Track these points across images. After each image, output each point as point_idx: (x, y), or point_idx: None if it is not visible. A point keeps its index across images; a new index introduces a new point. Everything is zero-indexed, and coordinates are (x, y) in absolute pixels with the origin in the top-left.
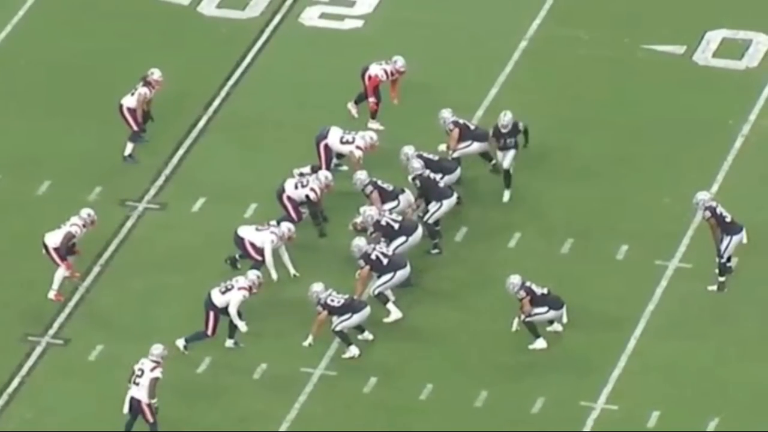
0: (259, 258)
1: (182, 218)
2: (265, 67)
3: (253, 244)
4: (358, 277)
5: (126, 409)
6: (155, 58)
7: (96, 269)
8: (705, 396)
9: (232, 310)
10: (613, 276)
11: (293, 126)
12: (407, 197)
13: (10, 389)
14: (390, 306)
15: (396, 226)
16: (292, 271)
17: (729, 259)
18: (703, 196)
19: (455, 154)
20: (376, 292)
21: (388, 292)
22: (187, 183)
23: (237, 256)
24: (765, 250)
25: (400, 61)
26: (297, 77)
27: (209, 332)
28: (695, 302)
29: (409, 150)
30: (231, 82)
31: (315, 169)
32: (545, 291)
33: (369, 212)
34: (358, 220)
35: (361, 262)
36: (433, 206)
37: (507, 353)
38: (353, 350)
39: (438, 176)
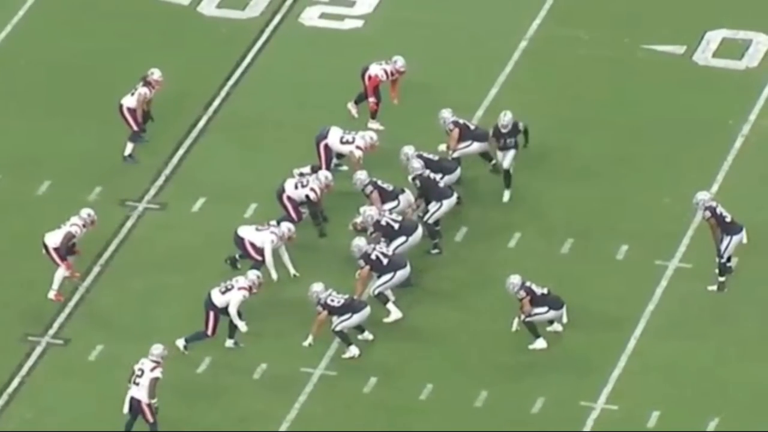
0: (259, 258)
1: (182, 218)
2: (265, 67)
3: (253, 244)
4: (358, 277)
5: (126, 409)
6: (155, 58)
7: (96, 269)
8: (705, 396)
9: (232, 310)
10: (613, 276)
11: (293, 126)
12: (407, 197)
13: (10, 389)
14: (390, 306)
15: (396, 226)
16: (292, 271)
17: (729, 259)
18: (703, 196)
19: (455, 154)
20: (376, 292)
21: (388, 292)
22: (187, 183)
23: (237, 256)
24: (765, 250)
25: (400, 61)
26: (297, 77)
27: (209, 332)
28: (695, 302)
29: (409, 150)
30: (231, 82)
31: (315, 169)
32: (545, 291)
33: (369, 212)
34: (358, 220)
35: (361, 262)
36: (433, 206)
37: (507, 353)
38: (353, 350)
39: (438, 176)
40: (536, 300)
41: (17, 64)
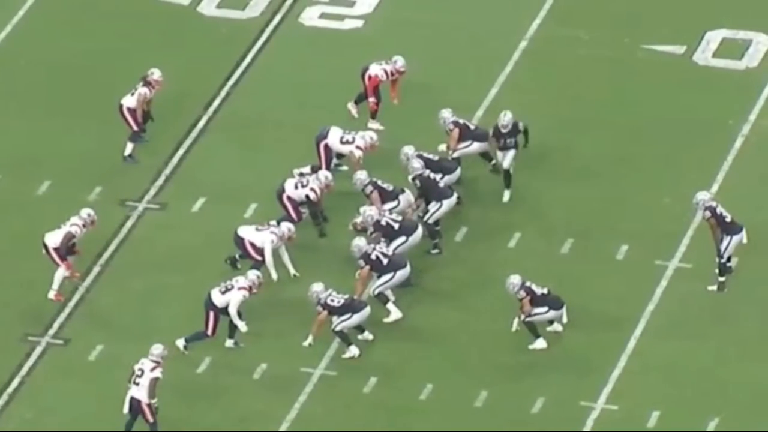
0: (259, 258)
1: (182, 218)
2: (265, 67)
3: (253, 244)
4: (358, 277)
5: (126, 409)
6: (155, 58)
7: (96, 269)
8: (705, 396)
9: (232, 310)
10: (613, 276)
11: (293, 126)
12: (407, 197)
13: (10, 389)
14: (390, 306)
15: (396, 226)
16: (292, 271)
17: (729, 259)
18: (703, 196)
19: (455, 154)
20: (376, 292)
21: (388, 292)
22: (187, 183)
23: (237, 256)
24: (765, 250)
25: (400, 61)
26: (297, 77)
27: (209, 332)
28: (695, 302)
29: (409, 150)
30: (231, 82)
31: (315, 169)
32: (545, 291)
33: (369, 212)
34: (358, 220)
35: (361, 262)
36: (433, 206)
37: (507, 353)
38: (353, 350)
39: (438, 176)
40: (536, 300)
41: (17, 64)
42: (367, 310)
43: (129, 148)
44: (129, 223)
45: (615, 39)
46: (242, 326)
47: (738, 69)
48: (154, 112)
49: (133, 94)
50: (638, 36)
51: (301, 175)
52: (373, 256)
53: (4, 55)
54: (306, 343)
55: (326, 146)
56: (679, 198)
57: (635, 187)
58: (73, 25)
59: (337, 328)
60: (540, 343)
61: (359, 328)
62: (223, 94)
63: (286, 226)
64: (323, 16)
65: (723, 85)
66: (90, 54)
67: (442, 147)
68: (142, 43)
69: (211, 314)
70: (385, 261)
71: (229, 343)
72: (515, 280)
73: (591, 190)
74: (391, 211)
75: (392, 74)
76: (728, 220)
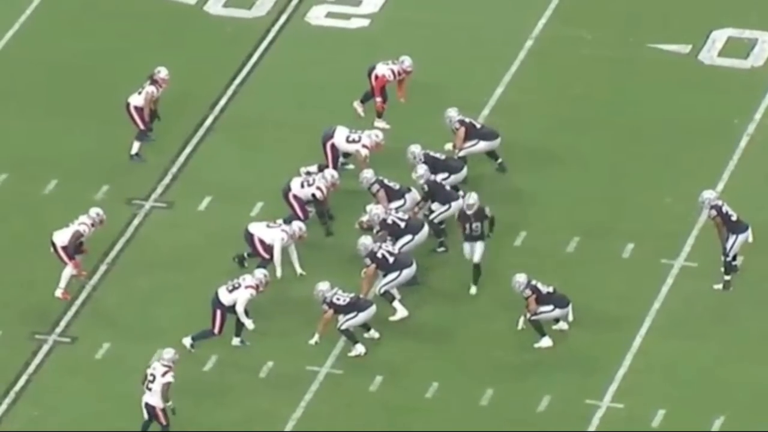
0: (267, 256)
1: (189, 217)
2: (272, 67)
3: (262, 241)
4: (364, 275)
5: (145, 415)
6: (163, 57)
7: (103, 268)
8: (710, 395)
9: (240, 309)
10: (618, 274)
11: (299, 125)
12: (413, 196)
13: (17, 387)
14: (396, 304)
15: (402, 224)
16: (299, 270)
17: (734, 258)
18: (708, 194)
19: (461, 153)
20: (382, 290)
21: (394, 291)
22: (194, 182)
23: (245, 254)
24: None
25: (407, 61)
26: (303, 76)
27: (216, 330)
28: (700, 301)
29: (416, 149)
30: (237, 81)
31: (322, 168)
32: (551, 289)
33: (375, 211)
34: (365, 218)
35: (367, 261)
36: (439, 207)
37: (513, 352)
38: (359, 348)
39: (444, 175)
40: (542, 298)
41: (24, 64)
42: (373, 308)
43: (136, 146)
44: (136, 222)
45: (621, 38)
46: (249, 324)
47: (743, 68)
48: (161, 110)
49: (140, 92)
50: (644, 35)
51: (308, 173)
52: (379, 255)
53: (12, 54)
54: (312, 342)
55: (333, 145)
56: (685, 197)
57: (642, 185)
58: (79, 25)
59: (343, 327)
60: (546, 342)
61: (365, 327)
62: (229, 93)
63: (298, 225)
64: (329, 15)
65: (728, 85)
66: (98, 54)
67: (449, 146)
68: (149, 43)
69: (219, 312)
70: (391, 259)
71: (236, 341)
72: (521, 278)
73: (598, 189)
74: (397, 209)
75: (399, 74)
76: (734, 218)
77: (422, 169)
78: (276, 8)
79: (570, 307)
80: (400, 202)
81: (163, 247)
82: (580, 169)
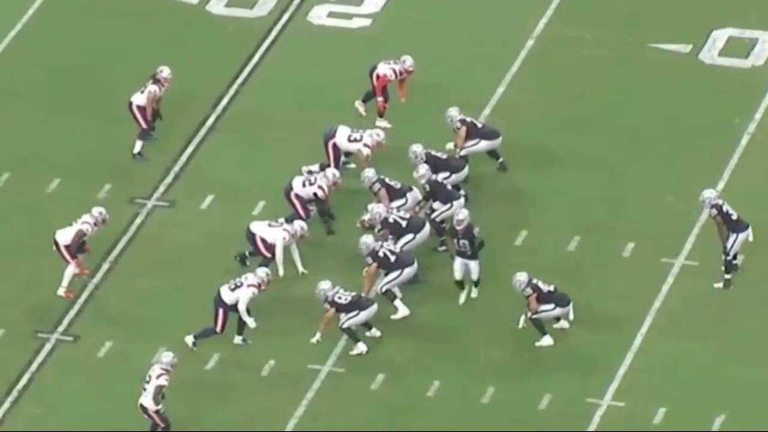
0: (269, 255)
1: (191, 216)
2: (273, 66)
3: (264, 240)
4: (366, 274)
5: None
6: (164, 57)
7: (105, 266)
8: (711, 393)
9: (242, 307)
10: (619, 273)
11: (301, 124)
12: (415, 195)
13: (19, 386)
14: (397, 303)
15: (404, 223)
16: (301, 268)
17: (735, 257)
18: (709, 193)
19: (462, 153)
20: (384, 289)
21: (396, 289)
22: (196, 181)
23: (247, 253)
24: None
25: (408, 61)
26: (305, 76)
27: (218, 329)
28: (701, 300)
29: (417, 148)
30: (239, 81)
31: (323, 168)
32: (552, 288)
33: (377, 210)
34: (366, 217)
35: (369, 260)
36: (441, 206)
37: (514, 350)
38: (361, 347)
39: (446, 174)
40: (543, 297)
41: (29, 65)
42: (375, 307)
43: (138, 145)
44: (138, 221)
45: (622, 38)
46: (251, 322)
47: (744, 68)
48: (163, 109)
49: (142, 91)
50: (644, 35)
51: (310, 172)
52: (380, 254)
53: (14, 54)
54: (314, 340)
55: (334, 145)
56: (685, 196)
57: (642, 185)
58: (81, 25)
59: (345, 325)
60: (546, 341)
61: (367, 325)
62: (231, 92)
63: (299, 224)
64: (331, 15)
65: (729, 84)
66: (100, 54)
67: (450, 145)
68: (151, 42)
69: (221, 311)
70: (392, 258)
71: (238, 339)
72: (522, 277)
73: (599, 189)
74: (398, 208)
75: (401, 74)
76: (734, 217)
77: (423, 169)
78: (278, 8)
79: (571, 305)
80: (402, 201)
81: (166, 246)
82: (581, 169)
